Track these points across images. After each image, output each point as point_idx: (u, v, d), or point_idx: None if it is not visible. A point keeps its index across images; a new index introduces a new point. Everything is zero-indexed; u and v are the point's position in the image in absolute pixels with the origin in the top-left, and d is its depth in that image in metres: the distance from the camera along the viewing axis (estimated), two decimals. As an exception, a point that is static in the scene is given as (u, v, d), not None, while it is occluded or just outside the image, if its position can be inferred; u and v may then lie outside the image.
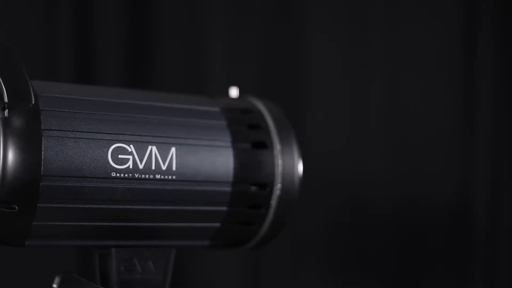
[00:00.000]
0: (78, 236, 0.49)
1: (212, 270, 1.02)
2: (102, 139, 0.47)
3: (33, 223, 0.46)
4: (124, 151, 0.47)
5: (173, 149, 0.49)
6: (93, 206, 0.47)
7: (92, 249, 0.51)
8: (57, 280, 0.49)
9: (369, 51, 1.03)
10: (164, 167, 0.48)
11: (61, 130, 0.46)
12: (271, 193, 0.52)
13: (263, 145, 0.53)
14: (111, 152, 0.47)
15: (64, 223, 0.47)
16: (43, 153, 0.44)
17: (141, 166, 0.48)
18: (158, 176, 0.48)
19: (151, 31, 1.01)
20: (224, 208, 0.51)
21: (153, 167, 0.48)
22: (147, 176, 0.48)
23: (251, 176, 0.52)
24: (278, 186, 0.52)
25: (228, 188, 0.51)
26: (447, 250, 1.03)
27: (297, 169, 0.53)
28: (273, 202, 0.52)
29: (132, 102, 0.50)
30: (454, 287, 1.04)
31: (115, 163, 0.47)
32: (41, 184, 0.44)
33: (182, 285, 0.99)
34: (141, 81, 1.00)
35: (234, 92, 0.56)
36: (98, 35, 0.99)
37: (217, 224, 0.51)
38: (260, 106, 0.55)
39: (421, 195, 1.03)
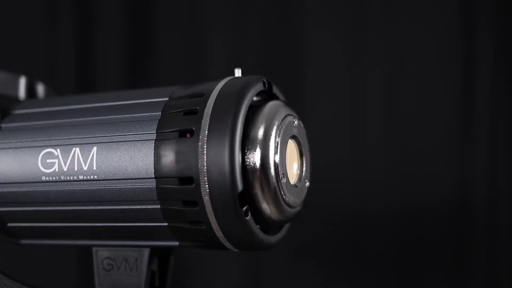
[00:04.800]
0: (57, 236, 0.53)
1: (211, 271, 1.02)
2: (35, 146, 0.51)
3: (8, 224, 0.53)
4: (52, 156, 0.50)
5: (94, 149, 0.49)
6: (40, 208, 0.51)
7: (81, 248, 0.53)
8: None
9: (368, 52, 1.03)
10: (85, 167, 0.49)
11: (5, 143, 0.52)
12: (199, 187, 0.45)
13: (190, 133, 0.46)
14: (41, 158, 0.51)
15: (35, 224, 0.52)
16: None
17: (65, 169, 0.50)
18: (81, 177, 0.49)
19: (151, 30, 1.01)
20: (157, 206, 0.47)
21: (76, 168, 0.49)
22: (71, 177, 0.49)
23: (174, 169, 0.46)
24: (205, 180, 0.45)
25: (152, 185, 0.47)
26: (447, 251, 1.03)
27: (229, 158, 0.44)
28: (206, 197, 0.45)
29: (70, 107, 0.52)
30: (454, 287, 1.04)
31: (44, 167, 0.50)
32: None
33: (181, 286, 0.99)
34: (141, 79, 1.00)
35: (237, 73, 0.50)
36: (98, 34, 0.99)
37: (164, 224, 0.48)
38: (218, 86, 0.47)
39: (421, 196, 1.03)
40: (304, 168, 0.50)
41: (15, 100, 0.62)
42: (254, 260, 1.02)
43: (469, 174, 1.03)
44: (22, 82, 0.65)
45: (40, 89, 0.67)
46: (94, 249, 0.52)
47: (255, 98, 0.48)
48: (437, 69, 1.04)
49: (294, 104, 1.03)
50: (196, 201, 0.45)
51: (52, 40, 0.98)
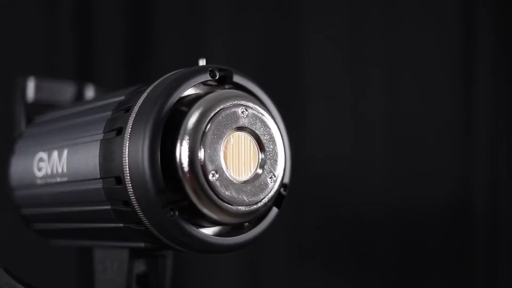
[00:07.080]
0: (65, 236, 0.54)
1: (211, 272, 1.02)
2: (34, 152, 0.53)
3: (32, 225, 0.55)
4: (42, 160, 0.52)
5: (65, 151, 0.49)
6: (41, 209, 0.53)
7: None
8: None
9: (368, 52, 1.03)
10: (60, 170, 0.50)
11: (19, 148, 0.56)
12: (126, 187, 0.43)
13: (121, 131, 0.44)
14: (35, 162, 0.53)
15: (46, 225, 0.54)
16: (11, 169, 0.56)
17: (49, 172, 0.51)
18: (58, 179, 0.50)
19: (151, 30, 1.01)
20: (108, 207, 0.45)
21: (55, 171, 0.50)
22: (53, 180, 0.51)
23: (109, 169, 0.44)
24: (128, 179, 0.42)
25: (99, 185, 0.45)
26: (447, 251, 1.03)
27: (148, 155, 0.41)
28: (132, 198, 0.42)
29: (62, 113, 0.54)
30: None
31: (38, 171, 0.52)
32: (14, 194, 0.55)
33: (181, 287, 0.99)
34: (141, 79, 1.00)
35: (201, 63, 0.48)
36: (98, 33, 0.99)
37: (120, 225, 0.46)
38: (158, 80, 0.45)
39: (421, 196, 1.03)
40: (265, 162, 0.45)
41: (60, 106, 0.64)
42: (254, 260, 1.02)
43: (469, 174, 1.03)
44: (69, 87, 0.67)
45: (90, 91, 0.68)
46: (93, 249, 0.52)
47: (224, 90, 0.45)
48: (437, 69, 1.04)
49: (294, 103, 1.04)
50: (128, 201, 0.43)
51: (52, 40, 0.98)
